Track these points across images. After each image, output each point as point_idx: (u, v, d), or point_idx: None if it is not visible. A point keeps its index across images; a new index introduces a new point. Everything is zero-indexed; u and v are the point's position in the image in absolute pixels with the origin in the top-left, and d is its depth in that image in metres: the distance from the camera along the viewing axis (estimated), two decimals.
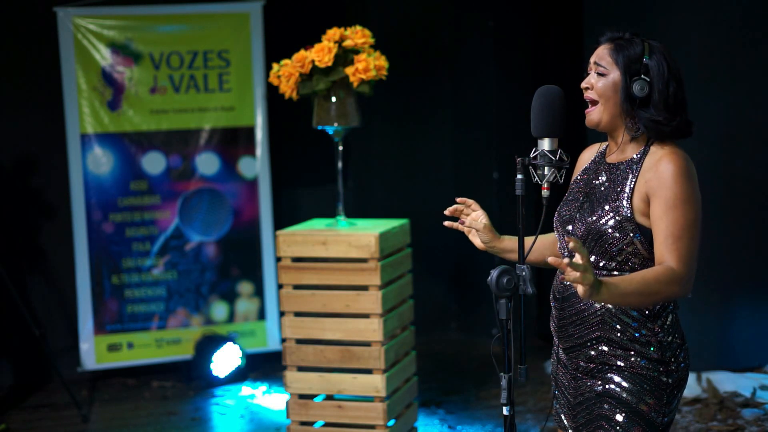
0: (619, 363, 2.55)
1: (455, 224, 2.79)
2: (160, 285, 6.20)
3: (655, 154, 2.53)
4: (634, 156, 2.56)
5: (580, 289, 2.25)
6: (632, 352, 2.54)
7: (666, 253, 2.42)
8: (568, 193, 2.72)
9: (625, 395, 2.54)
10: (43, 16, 6.06)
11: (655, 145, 2.55)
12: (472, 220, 2.76)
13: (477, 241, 2.80)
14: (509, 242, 2.77)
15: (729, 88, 5.48)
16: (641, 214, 2.50)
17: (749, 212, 5.62)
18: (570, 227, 2.62)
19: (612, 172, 2.60)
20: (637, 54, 2.53)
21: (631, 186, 2.52)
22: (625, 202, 2.51)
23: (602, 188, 2.59)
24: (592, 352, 2.58)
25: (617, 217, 2.51)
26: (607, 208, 2.54)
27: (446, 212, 2.81)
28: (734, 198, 5.56)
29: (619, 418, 2.54)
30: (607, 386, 2.57)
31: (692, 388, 5.26)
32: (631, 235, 2.50)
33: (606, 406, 2.56)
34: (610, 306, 2.54)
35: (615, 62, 2.55)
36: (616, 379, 2.56)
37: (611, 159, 2.63)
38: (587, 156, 2.79)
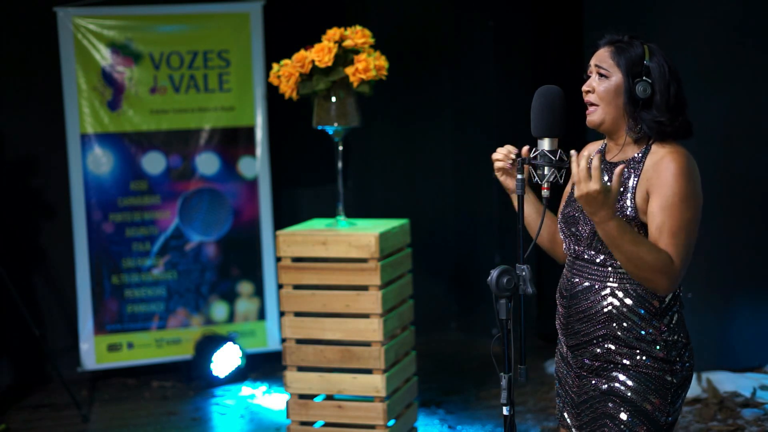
0: (624, 361, 2.55)
1: (503, 162, 2.71)
2: (160, 285, 6.20)
3: (656, 153, 2.53)
4: (636, 155, 2.57)
5: (582, 189, 2.34)
6: (638, 351, 2.54)
7: (663, 244, 2.43)
8: (570, 193, 2.72)
9: (629, 394, 2.54)
10: (43, 16, 6.06)
11: (656, 144, 2.55)
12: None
13: (509, 183, 2.75)
14: (529, 206, 2.76)
15: (729, 88, 5.48)
16: (644, 213, 2.51)
17: (749, 212, 5.62)
18: (574, 228, 2.62)
19: (613, 172, 2.60)
20: (638, 56, 2.54)
21: (634, 185, 2.53)
22: (628, 202, 2.52)
23: None
24: (598, 350, 2.59)
25: (621, 217, 2.51)
26: None
27: (510, 156, 2.71)
28: (734, 198, 5.56)
29: (624, 416, 2.54)
30: (611, 385, 2.57)
31: (692, 388, 5.27)
32: None
33: (610, 405, 2.57)
34: (617, 303, 2.55)
35: (617, 65, 2.55)
36: (621, 377, 2.56)
37: (612, 159, 2.63)
38: (586, 155, 2.79)
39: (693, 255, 2.50)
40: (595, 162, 2.35)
